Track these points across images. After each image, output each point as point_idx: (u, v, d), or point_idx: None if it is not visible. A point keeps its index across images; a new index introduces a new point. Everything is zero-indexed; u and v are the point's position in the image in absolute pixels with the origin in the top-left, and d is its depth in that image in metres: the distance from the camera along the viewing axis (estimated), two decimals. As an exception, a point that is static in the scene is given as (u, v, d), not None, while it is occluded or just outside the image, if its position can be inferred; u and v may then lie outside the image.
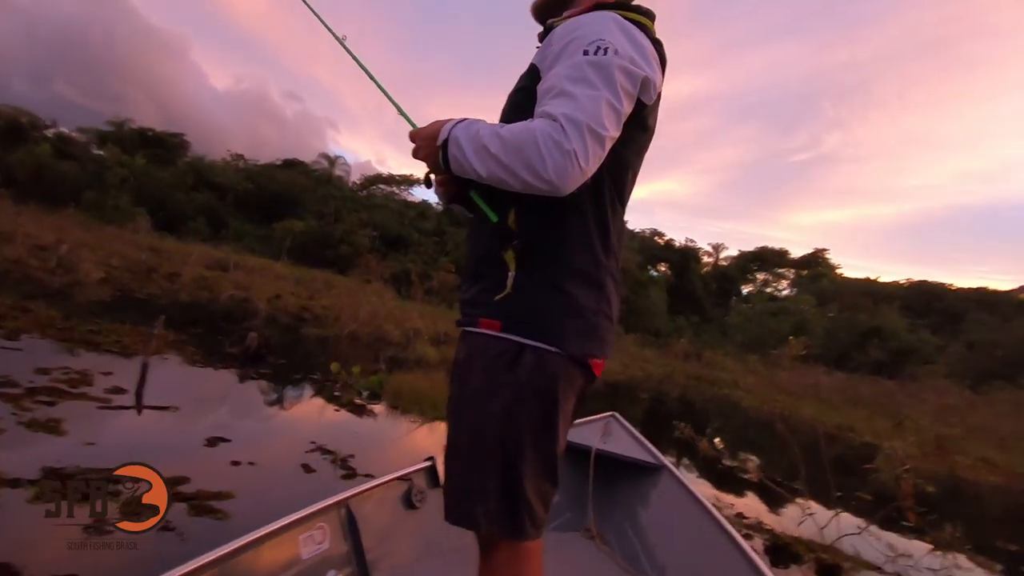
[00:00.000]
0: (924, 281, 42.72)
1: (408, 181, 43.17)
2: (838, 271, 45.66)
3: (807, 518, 3.29)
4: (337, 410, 4.65)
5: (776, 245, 48.08)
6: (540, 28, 1.17)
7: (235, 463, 2.90)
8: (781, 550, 3.14)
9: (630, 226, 45.99)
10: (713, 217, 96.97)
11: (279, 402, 4.66)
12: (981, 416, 14.48)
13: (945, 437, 11.29)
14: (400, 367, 6.93)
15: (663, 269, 44.23)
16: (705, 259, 48.86)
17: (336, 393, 5.14)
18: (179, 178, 34.07)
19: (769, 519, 3.75)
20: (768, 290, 45.78)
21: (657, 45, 1.02)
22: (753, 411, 7.59)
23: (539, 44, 1.10)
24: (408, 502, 2.04)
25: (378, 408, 4.98)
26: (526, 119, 0.92)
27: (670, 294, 38.27)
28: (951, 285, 41.82)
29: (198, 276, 13.26)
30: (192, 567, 1.30)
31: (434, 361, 7.93)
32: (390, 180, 44.43)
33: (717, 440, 8.24)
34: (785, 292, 44.99)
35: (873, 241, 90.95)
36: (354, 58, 1.34)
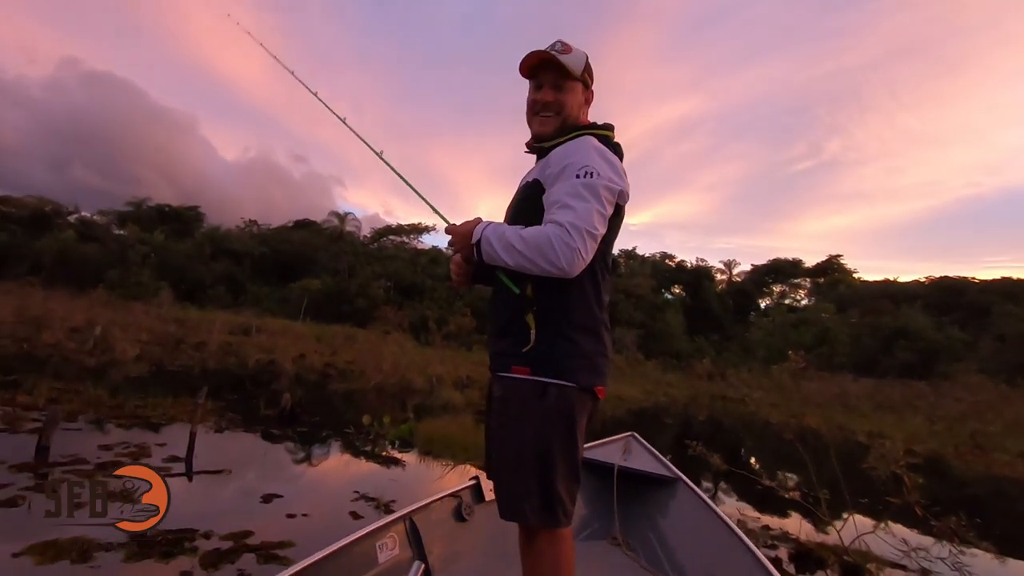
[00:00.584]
0: (945, 277, 41.98)
1: (417, 229, 44.08)
2: (855, 275, 45.14)
3: (828, 523, 3.44)
4: (373, 461, 4.89)
5: (789, 256, 47.63)
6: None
7: (290, 516, 3.15)
8: (806, 556, 3.28)
9: (639, 252, 46.31)
10: (722, 234, 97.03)
11: (319, 457, 4.92)
12: (1019, 410, 14.17)
13: (982, 434, 11.12)
14: (428, 414, 7.17)
15: (677, 291, 44.13)
16: (719, 277, 48.63)
17: (370, 444, 5.39)
18: (197, 249, 35.28)
19: (793, 528, 3.88)
20: (787, 302, 45.34)
21: (617, 148, 1.44)
22: (780, 425, 7.63)
23: (526, 150, 1.54)
24: (459, 515, 2.37)
25: (411, 455, 5.21)
26: (531, 219, 1.32)
27: (687, 315, 38.06)
28: (973, 278, 41.03)
29: (223, 343, 13.73)
30: (296, 569, 1.61)
31: (460, 405, 8.15)
32: (399, 230, 45.41)
33: (743, 458, 8.27)
34: (804, 302, 44.55)
35: (887, 242, 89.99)
36: (393, 170, 1.71)
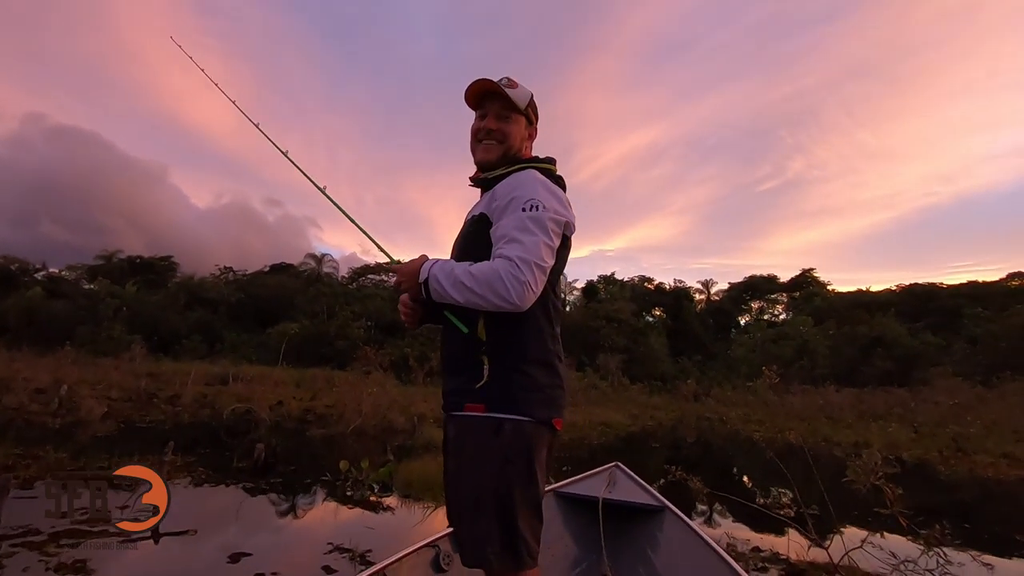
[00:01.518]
0: (915, 284, 43.30)
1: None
2: (829, 287, 46.25)
3: (816, 541, 3.38)
4: (350, 508, 4.71)
5: (763, 272, 48.71)
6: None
7: (258, 576, 2.99)
8: (797, 577, 3.22)
9: (618, 276, 46.78)
10: (697, 255, 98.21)
11: (293, 509, 4.72)
12: (995, 411, 14.41)
13: (963, 437, 11.24)
14: (409, 455, 6.98)
15: (658, 313, 44.46)
16: (697, 297, 49.32)
17: (348, 491, 5.20)
18: (171, 299, 34.57)
19: (782, 548, 3.81)
20: (765, 317, 46.00)
21: (560, 180, 1.46)
22: (764, 442, 7.61)
23: (471, 183, 1.54)
24: (437, 566, 2.23)
25: (391, 499, 5.03)
26: (479, 253, 1.31)
27: (669, 337, 38.23)
28: (941, 284, 42.45)
29: (198, 394, 13.34)
30: None
31: (441, 443, 7.96)
32: (378, 269, 45.18)
33: (731, 478, 8.20)
34: (782, 317, 45.24)
35: (856, 253, 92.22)
36: (336, 205, 1.68)
